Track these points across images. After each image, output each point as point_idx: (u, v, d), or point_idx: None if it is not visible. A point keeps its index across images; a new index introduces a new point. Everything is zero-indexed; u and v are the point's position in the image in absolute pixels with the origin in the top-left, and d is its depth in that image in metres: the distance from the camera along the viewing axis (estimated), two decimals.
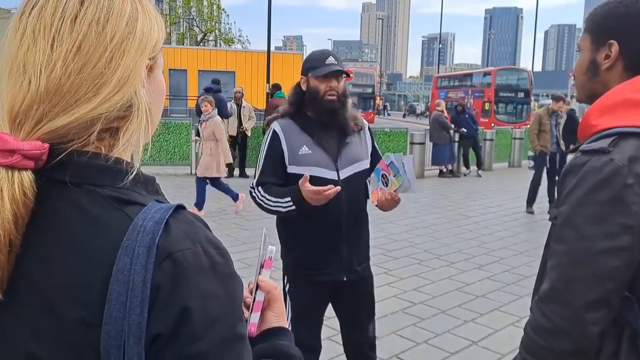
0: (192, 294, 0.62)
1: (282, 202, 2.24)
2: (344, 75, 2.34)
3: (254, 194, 2.35)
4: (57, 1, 0.66)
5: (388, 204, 2.25)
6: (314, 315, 2.43)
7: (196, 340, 0.61)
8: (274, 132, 2.33)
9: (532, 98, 30.20)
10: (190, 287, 0.62)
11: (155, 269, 0.60)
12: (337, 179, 2.28)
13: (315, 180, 2.20)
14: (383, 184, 2.25)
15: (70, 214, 0.64)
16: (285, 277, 2.44)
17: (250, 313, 0.87)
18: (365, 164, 2.40)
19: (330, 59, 2.29)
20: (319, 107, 2.30)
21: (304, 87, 2.34)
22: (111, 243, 0.62)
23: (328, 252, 2.31)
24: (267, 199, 2.29)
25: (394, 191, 2.20)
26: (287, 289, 2.43)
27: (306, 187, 2.12)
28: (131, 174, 0.67)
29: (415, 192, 2.27)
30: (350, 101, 2.42)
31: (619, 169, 1.03)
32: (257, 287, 0.88)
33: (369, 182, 2.36)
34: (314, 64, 2.31)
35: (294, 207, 2.20)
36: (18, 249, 0.62)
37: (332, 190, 2.11)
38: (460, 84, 33.73)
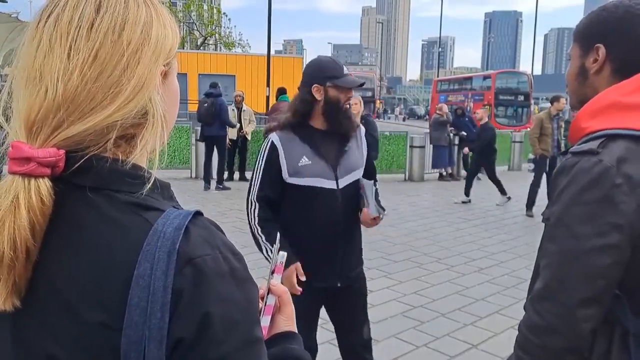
0: (214, 299, 0.62)
1: (269, 247, 2.26)
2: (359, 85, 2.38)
3: (250, 210, 2.32)
4: (73, 10, 0.66)
5: (367, 224, 2.38)
6: (309, 318, 2.44)
7: (218, 344, 0.62)
8: (272, 144, 2.30)
9: (532, 101, 30.12)
10: (211, 293, 0.63)
11: (176, 274, 0.61)
12: (336, 187, 2.30)
13: (314, 191, 2.25)
14: (364, 203, 2.37)
15: (90, 219, 0.64)
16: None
17: (261, 316, 0.88)
18: (360, 172, 2.42)
19: (346, 69, 2.32)
20: (339, 117, 2.29)
21: (318, 96, 2.27)
22: (131, 248, 0.62)
23: (324, 258, 2.33)
24: (259, 231, 2.30)
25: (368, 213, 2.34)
26: None
27: (290, 273, 2.19)
28: (150, 180, 0.67)
29: (379, 215, 2.36)
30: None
31: (608, 170, 1.06)
32: (269, 291, 0.90)
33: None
34: (333, 73, 2.26)
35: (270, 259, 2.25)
36: (36, 256, 0.63)
37: (295, 290, 2.16)
38: (460, 87, 33.58)
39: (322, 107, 2.28)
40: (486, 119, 9.49)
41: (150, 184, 0.67)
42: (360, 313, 2.51)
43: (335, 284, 2.36)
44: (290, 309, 0.92)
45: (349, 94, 2.30)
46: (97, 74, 0.64)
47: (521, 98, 28.64)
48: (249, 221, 2.33)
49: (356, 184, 2.38)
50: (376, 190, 2.35)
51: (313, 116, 2.32)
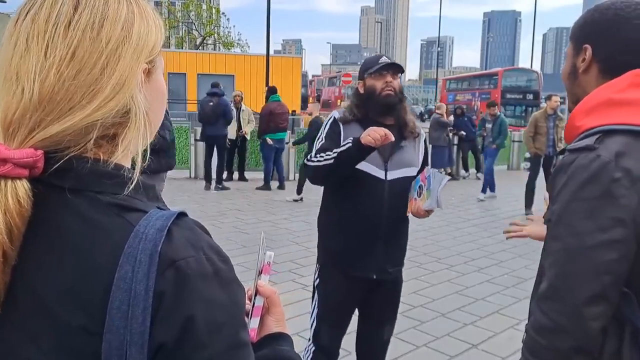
0: (197, 302, 0.61)
1: (339, 148, 2.26)
2: (400, 74, 2.42)
3: (309, 162, 2.35)
4: (50, 7, 0.64)
5: (419, 215, 2.36)
6: (340, 314, 2.46)
7: (201, 348, 0.61)
8: (334, 120, 2.41)
9: (542, 100, 29.19)
10: (194, 295, 0.61)
11: (157, 277, 0.60)
12: (383, 178, 2.33)
13: (361, 175, 2.29)
14: (418, 195, 2.33)
15: (71, 221, 0.63)
16: (317, 272, 2.48)
17: (250, 318, 0.86)
18: (413, 171, 2.42)
19: (384, 59, 2.40)
20: (376, 104, 2.36)
21: (362, 91, 2.43)
22: (112, 250, 0.61)
23: (363, 247, 2.34)
24: (324, 156, 2.29)
25: (422, 205, 2.30)
26: (316, 284, 2.47)
27: (371, 130, 2.16)
28: (132, 181, 0.66)
29: (441, 208, 2.35)
30: (408, 104, 2.48)
31: (606, 164, 1.05)
32: (257, 292, 0.88)
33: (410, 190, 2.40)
34: (369, 65, 2.41)
35: (350, 144, 2.21)
36: (14, 259, 0.61)
37: (388, 133, 2.13)
38: (469, 86, 32.47)
39: (364, 97, 2.40)
40: (317, 114, 9.22)
41: (133, 184, 0.66)
42: (387, 311, 2.54)
43: (370, 275, 2.37)
44: (279, 310, 0.90)
45: (385, 79, 2.35)
46: (75, 73, 0.63)
47: (530, 97, 27.23)
48: (314, 167, 2.31)
49: (406, 181, 2.38)
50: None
51: (367, 108, 2.40)
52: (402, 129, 2.39)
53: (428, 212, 2.32)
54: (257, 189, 9.76)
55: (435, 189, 2.25)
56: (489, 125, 10.23)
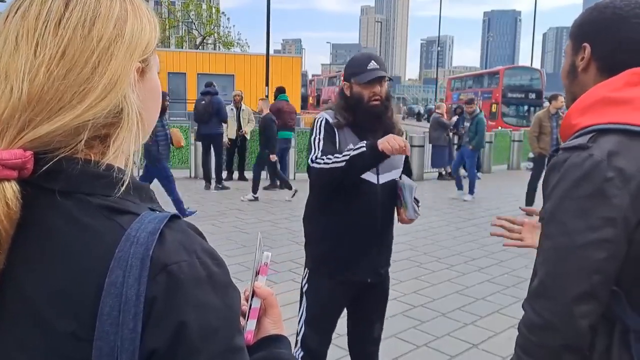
0: (189, 308, 0.60)
1: (352, 150, 2.17)
2: (387, 79, 2.35)
3: (314, 164, 2.24)
4: (41, 4, 0.63)
5: (404, 223, 2.41)
6: (330, 319, 2.44)
7: (195, 354, 0.60)
8: (327, 121, 2.31)
9: (544, 99, 28.56)
10: (187, 301, 0.60)
11: (149, 282, 0.58)
12: (376, 182, 2.32)
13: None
14: (401, 205, 2.38)
15: (61, 224, 0.61)
16: (306, 277, 2.45)
17: (247, 320, 0.85)
18: (399, 172, 2.42)
19: (373, 64, 2.28)
20: (363, 112, 2.30)
21: (347, 93, 2.35)
22: (103, 254, 0.60)
23: (359, 251, 2.33)
24: (332, 158, 2.20)
25: (405, 215, 2.35)
26: (305, 290, 2.44)
27: (390, 137, 2.12)
28: (124, 182, 0.64)
29: (418, 214, 2.39)
30: (394, 105, 2.43)
31: (599, 164, 1.05)
32: (254, 293, 0.87)
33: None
34: (356, 69, 2.31)
35: (365, 148, 2.14)
36: (3, 263, 0.60)
37: (407, 146, 2.11)
38: (473, 85, 31.54)
39: (350, 102, 2.33)
40: (267, 111, 8.86)
41: (126, 185, 0.64)
42: (378, 311, 2.53)
43: (365, 279, 2.37)
44: (277, 311, 0.88)
45: (373, 89, 2.28)
46: (65, 72, 0.61)
47: (532, 96, 26.28)
48: (320, 169, 2.22)
49: (395, 183, 2.38)
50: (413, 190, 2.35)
51: (353, 112, 2.34)
52: (389, 132, 2.33)
53: (412, 220, 2.38)
54: (264, 188, 9.72)
55: (408, 198, 2.31)
56: (467, 124, 9.87)
